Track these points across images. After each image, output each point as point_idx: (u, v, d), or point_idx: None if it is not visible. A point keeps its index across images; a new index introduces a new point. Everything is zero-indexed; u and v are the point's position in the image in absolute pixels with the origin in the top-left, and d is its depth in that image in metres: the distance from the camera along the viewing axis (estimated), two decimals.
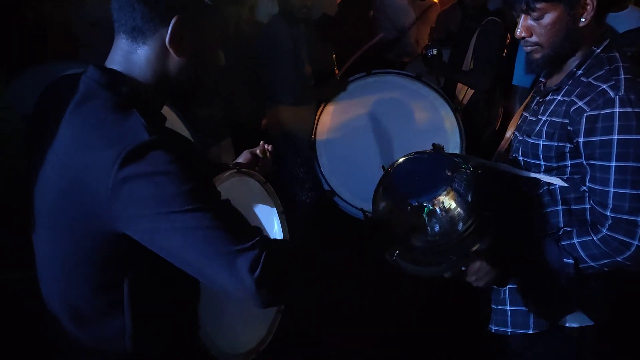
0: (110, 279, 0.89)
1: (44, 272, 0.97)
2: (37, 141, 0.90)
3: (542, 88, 1.34)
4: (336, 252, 1.16)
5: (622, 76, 1.13)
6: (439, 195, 1.19)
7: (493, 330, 1.42)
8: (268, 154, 1.51)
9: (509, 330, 1.38)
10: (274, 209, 1.45)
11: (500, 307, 1.40)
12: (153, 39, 0.87)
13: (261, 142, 1.51)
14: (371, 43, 3.06)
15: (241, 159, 1.47)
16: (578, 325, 1.30)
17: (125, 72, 0.88)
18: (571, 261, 1.19)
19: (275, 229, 1.48)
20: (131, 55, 0.88)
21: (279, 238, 1.46)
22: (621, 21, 3.73)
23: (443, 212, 1.19)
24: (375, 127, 2.77)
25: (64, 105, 0.85)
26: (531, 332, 1.35)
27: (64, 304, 0.93)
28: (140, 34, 0.87)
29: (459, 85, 3.03)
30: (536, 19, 1.19)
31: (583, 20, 1.16)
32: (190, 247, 0.79)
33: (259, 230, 0.85)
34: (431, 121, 2.78)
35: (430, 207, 1.19)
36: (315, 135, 2.79)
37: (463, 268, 1.29)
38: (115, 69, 0.89)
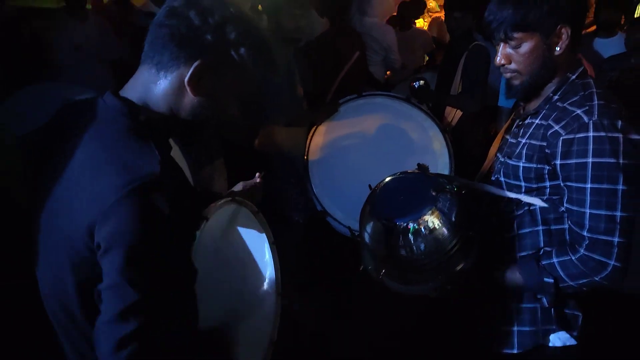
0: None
1: (49, 306, 0.99)
2: (51, 162, 0.94)
3: (522, 112, 1.39)
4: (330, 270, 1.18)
5: (596, 102, 1.18)
6: (424, 214, 1.22)
7: (482, 349, 1.44)
8: (259, 180, 1.55)
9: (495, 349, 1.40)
10: (265, 239, 1.48)
11: (485, 327, 1.42)
12: (174, 74, 0.93)
13: (257, 174, 1.55)
14: (351, 63, 3.17)
15: (236, 189, 1.50)
16: (561, 345, 1.33)
17: (142, 100, 0.94)
18: (551, 280, 1.22)
19: (266, 258, 1.50)
20: (151, 85, 0.94)
21: (270, 268, 1.48)
22: (610, 47, 3.85)
23: (428, 232, 1.22)
24: (366, 148, 2.81)
25: (81, 129, 0.90)
26: (515, 351, 1.37)
27: (61, 308, 0.95)
28: (163, 68, 0.93)
29: (448, 106, 3.11)
30: (514, 48, 1.25)
31: (558, 49, 1.22)
32: (106, 306, 0.82)
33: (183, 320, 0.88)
34: (420, 142, 2.83)
35: (416, 227, 1.22)
36: (307, 156, 2.83)
37: (448, 287, 1.31)
38: (134, 97, 0.94)
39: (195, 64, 0.91)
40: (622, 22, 4.02)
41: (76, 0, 3.42)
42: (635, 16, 8.54)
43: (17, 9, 4.62)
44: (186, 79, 0.92)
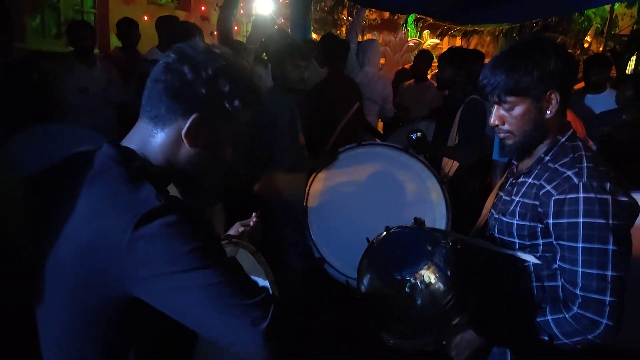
0: (116, 348, 0.91)
1: (46, 347, 0.98)
2: (51, 213, 0.95)
3: (515, 170, 1.45)
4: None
5: (585, 164, 1.23)
6: (421, 269, 1.25)
7: None
8: (255, 220, 1.57)
9: None
10: (266, 279, 1.48)
11: None
12: (171, 127, 0.96)
13: (253, 214, 1.57)
14: (351, 113, 3.30)
15: (232, 231, 1.52)
16: None
17: (140, 151, 0.97)
18: (546, 338, 1.24)
19: None
20: (149, 137, 0.97)
21: None
22: (599, 102, 3.98)
23: (424, 286, 1.24)
24: (364, 196, 2.85)
25: (80, 180, 0.92)
26: None
27: None
28: (160, 121, 0.96)
29: (445, 157, 3.18)
30: (507, 110, 1.31)
31: (549, 112, 1.29)
32: (201, 303, 0.83)
33: (264, 288, 0.90)
34: (418, 192, 2.87)
35: (412, 281, 1.24)
36: (307, 202, 2.86)
37: (444, 342, 1.32)
38: (131, 147, 0.97)
39: (192, 117, 0.94)
40: (614, 77, 4.17)
41: (84, 45, 3.53)
42: (627, 72, 8.81)
43: (27, 51, 4.78)
44: (183, 132, 0.95)
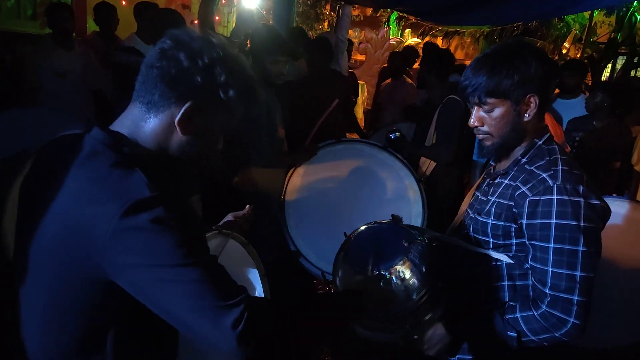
0: (93, 333, 0.91)
1: (28, 325, 0.98)
2: (36, 195, 0.94)
3: (492, 171, 1.47)
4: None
5: (560, 167, 1.26)
6: (396, 264, 1.26)
7: None
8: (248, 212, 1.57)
9: None
10: (256, 271, 1.47)
11: None
12: (164, 114, 0.96)
13: (247, 206, 1.56)
14: (330, 109, 3.29)
15: (223, 222, 1.51)
16: None
17: (131, 135, 0.96)
18: (514, 334, 1.27)
19: (257, 291, 1.49)
20: (140, 122, 0.97)
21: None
22: (573, 107, 4.07)
23: (399, 281, 1.26)
24: (342, 192, 2.87)
25: (68, 163, 0.91)
26: None
27: (45, 358, 0.95)
28: (153, 107, 0.95)
29: (422, 157, 3.21)
30: (487, 112, 1.33)
31: (527, 116, 1.31)
32: (178, 299, 0.84)
33: (243, 289, 0.90)
34: (396, 190, 2.91)
35: (387, 276, 1.26)
36: (284, 196, 2.86)
37: (415, 336, 1.34)
38: (122, 131, 0.96)
39: (187, 105, 0.94)
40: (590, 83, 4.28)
41: (64, 29, 3.44)
42: (602, 79, 9.04)
43: (1, 32, 4.63)
44: (177, 119, 0.95)
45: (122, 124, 0.98)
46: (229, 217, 1.54)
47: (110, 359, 0.92)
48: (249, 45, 3.09)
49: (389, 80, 5.35)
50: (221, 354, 0.86)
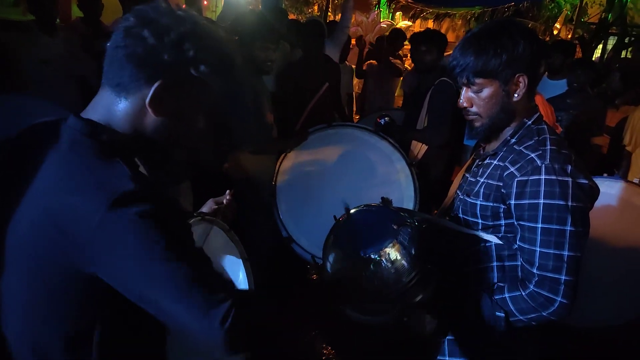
0: (79, 329, 0.89)
1: (11, 320, 0.95)
2: (10, 184, 0.91)
3: (482, 152, 1.47)
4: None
5: (549, 147, 1.26)
6: (385, 247, 1.26)
7: None
8: (229, 197, 1.55)
9: None
10: (239, 257, 1.46)
11: (440, 358, 1.46)
12: (135, 96, 0.91)
13: (227, 192, 1.55)
14: (319, 94, 3.26)
15: (205, 208, 1.49)
16: None
17: (105, 122, 0.92)
18: (502, 314, 1.27)
19: (240, 277, 1.49)
20: (112, 107, 0.93)
21: (244, 286, 1.47)
22: (561, 88, 4.09)
23: (388, 264, 1.26)
24: (333, 177, 2.86)
25: (44, 151, 0.88)
26: None
27: (33, 353, 0.92)
28: (123, 89, 0.91)
29: (414, 141, 3.21)
30: (476, 92, 1.32)
31: (516, 95, 1.30)
32: (165, 294, 0.82)
33: (231, 283, 0.89)
34: (387, 173, 2.91)
35: (377, 258, 1.26)
36: (275, 182, 2.85)
37: (406, 318, 1.35)
38: (95, 118, 0.92)
39: (156, 85, 0.90)
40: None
41: (47, 15, 3.37)
42: (593, 60, 9.03)
43: None
44: (147, 100, 0.91)
45: (95, 111, 0.94)
46: (210, 203, 1.51)
47: (96, 355, 0.90)
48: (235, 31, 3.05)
49: (373, 62, 5.32)
50: (208, 348, 0.86)
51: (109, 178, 0.83)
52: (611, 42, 9.95)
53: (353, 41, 10.68)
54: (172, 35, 0.89)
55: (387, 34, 5.94)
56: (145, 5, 0.92)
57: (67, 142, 0.89)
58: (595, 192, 1.27)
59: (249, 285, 1.46)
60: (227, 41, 0.98)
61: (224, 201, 1.53)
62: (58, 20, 3.66)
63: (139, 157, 0.97)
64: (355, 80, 5.85)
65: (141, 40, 0.88)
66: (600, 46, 10.14)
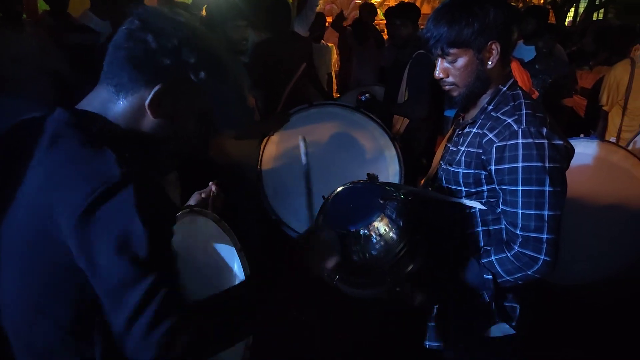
0: (77, 321, 0.90)
1: (8, 316, 0.96)
2: (1, 184, 0.92)
3: (461, 121, 1.50)
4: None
5: (524, 111, 1.29)
6: (374, 221, 1.29)
7: (427, 346, 1.53)
8: (215, 188, 1.55)
9: (440, 344, 1.50)
10: (232, 248, 1.47)
11: (431, 324, 1.51)
12: (133, 97, 0.93)
13: (210, 183, 1.55)
14: (298, 74, 3.25)
15: (192, 201, 1.50)
16: (501, 335, 1.43)
17: (99, 114, 0.93)
18: (490, 277, 1.32)
19: (235, 267, 1.49)
20: (109, 104, 0.94)
21: (240, 277, 1.47)
22: (533, 53, 4.15)
23: (378, 237, 1.29)
24: (318, 157, 2.87)
25: (31, 148, 0.89)
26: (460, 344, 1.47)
27: (30, 350, 0.93)
28: (123, 90, 0.93)
29: (396, 115, 3.23)
30: (451, 62, 1.34)
31: (490, 63, 1.32)
32: (119, 299, 0.82)
33: (181, 299, 0.87)
34: (372, 150, 2.93)
35: (366, 233, 1.29)
36: (261, 166, 2.86)
37: (397, 289, 1.39)
38: (89, 110, 0.93)
39: (156, 88, 0.92)
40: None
41: (13, 10, 3.27)
42: (565, 24, 9.07)
43: None
44: (147, 102, 0.93)
45: (90, 105, 0.95)
46: (196, 195, 1.52)
47: (99, 348, 0.90)
48: (204, 15, 3.00)
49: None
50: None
51: (95, 168, 0.84)
52: (582, 4, 10.02)
53: (329, 19, 10.57)
54: (175, 41, 0.91)
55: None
56: (148, 7, 0.95)
57: (50, 135, 0.89)
58: (570, 152, 1.31)
59: (244, 274, 1.47)
60: (221, 46, 1.01)
61: (211, 192, 1.53)
62: (24, 15, 3.56)
63: (128, 150, 0.97)
64: (335, 59, 5.83)
65: (143, 43, 0.90)
66: (572, 9, 10.20)
